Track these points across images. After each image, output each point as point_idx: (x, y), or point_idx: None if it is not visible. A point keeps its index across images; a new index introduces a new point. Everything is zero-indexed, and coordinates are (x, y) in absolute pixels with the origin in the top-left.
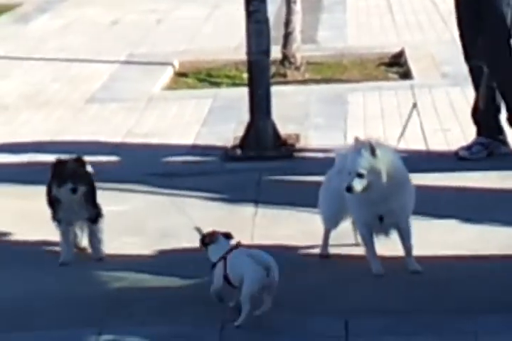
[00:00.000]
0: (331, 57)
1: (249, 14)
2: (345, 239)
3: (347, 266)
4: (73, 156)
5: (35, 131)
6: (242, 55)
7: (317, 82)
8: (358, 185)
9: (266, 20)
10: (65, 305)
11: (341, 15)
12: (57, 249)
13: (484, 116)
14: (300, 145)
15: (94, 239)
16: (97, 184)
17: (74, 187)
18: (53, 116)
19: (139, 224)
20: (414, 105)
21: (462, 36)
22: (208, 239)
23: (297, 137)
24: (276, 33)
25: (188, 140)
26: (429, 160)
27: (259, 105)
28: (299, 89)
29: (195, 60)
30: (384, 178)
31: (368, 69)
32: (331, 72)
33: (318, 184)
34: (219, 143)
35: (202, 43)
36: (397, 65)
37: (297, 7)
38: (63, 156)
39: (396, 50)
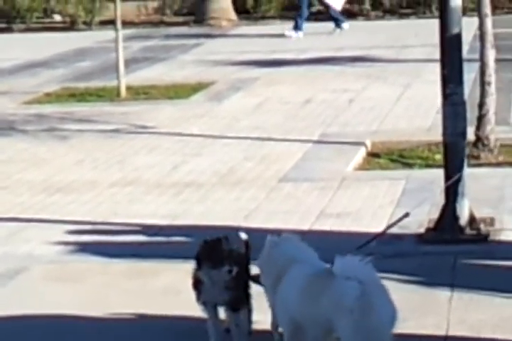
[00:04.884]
0: None
1: (445, 96)
2: None
3: None
4: (221, 236)
5: (228, 209)
6: (434, 136)
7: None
8: None
9: (462, 103)
10: None
11: None
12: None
13: None
14: (495, 228)
15: (234, 328)
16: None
17: (230, 269)
18: (246, 194)
19: None
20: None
21: None
22: None
23: (492, 221)
24: (469, 114)
25: (382, 221)
26: None
27: (455, 187)
28: (492, 172)
29: (387, 140)
30: None
31: None
32: None
33: None
34: (413, 225)
35: (394, 123)
36: None
37: (491, 89)
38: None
39: None
